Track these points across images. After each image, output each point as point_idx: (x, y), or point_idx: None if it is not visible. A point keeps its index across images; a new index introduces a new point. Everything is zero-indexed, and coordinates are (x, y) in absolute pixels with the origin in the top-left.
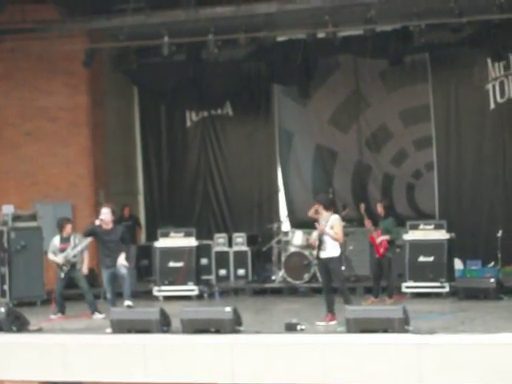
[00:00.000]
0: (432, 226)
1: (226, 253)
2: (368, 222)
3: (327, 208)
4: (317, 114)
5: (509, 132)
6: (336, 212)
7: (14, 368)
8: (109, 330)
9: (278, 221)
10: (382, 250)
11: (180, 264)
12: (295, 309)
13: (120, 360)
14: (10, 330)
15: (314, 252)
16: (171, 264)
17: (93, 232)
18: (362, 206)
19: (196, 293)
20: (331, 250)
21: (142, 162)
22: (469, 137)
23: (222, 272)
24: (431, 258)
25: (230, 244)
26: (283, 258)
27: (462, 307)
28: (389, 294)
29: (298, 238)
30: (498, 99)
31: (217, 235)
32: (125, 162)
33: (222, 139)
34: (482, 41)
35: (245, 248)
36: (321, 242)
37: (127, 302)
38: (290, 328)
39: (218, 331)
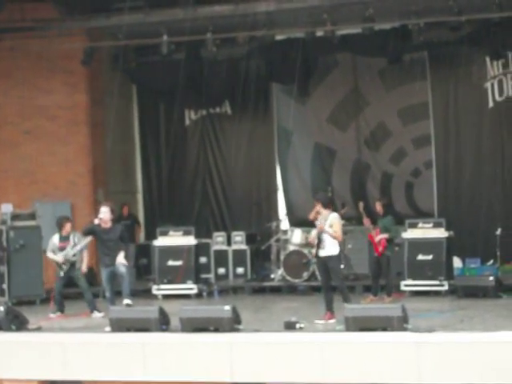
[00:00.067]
0: (431, 225)
1: (225, 251)
2: (367, 221)
3: (326, 206)
4: (315, 112)
5: (507, 130)
6: (335, 210)
7: (13, 367)
8: (108, 328)
9: (277, 219)
10: (380, 249)
11: (179, 263)
12: (294, 307)
13: (119, 359)
14: (9, 329)
15: (313, 250)
16: (170, 263)
17: (92, 231)
18: (361, 205)
19: (195, 291)
20: (330, 248)
21: (141, 160)
22: (467, 135)
23: (221, 270)
24: (430, 257)
25: (229, 242)
26: (282, 257)
27: (460, 305)
28: (388, 293)
29: (296, 236)
30: (497, 97)
31: (216, 234)
32: (124, 161)
33: (220, 138)
34: (481, 39)
35: (244, 246)
36: (320, 240)
37: (126, 301)
38: (289, 326)
39: (217, 330)
